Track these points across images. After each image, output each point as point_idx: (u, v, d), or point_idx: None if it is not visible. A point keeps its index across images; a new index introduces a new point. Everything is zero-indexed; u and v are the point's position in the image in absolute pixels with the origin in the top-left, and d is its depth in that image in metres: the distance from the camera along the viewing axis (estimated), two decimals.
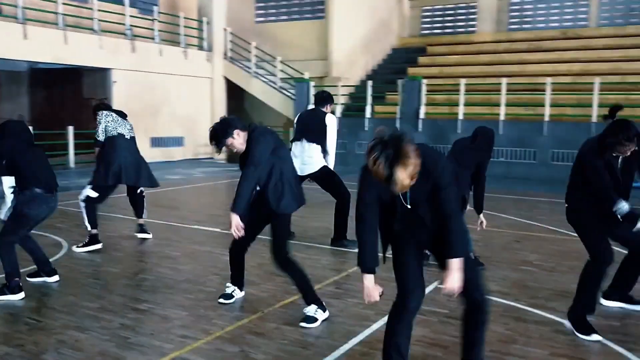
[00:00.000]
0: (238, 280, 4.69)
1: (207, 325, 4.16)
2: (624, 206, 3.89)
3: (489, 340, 3.74)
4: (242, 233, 4.16)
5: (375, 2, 20.80)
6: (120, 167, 6.36)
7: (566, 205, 4.21)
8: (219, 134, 4.16)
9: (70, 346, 3.76)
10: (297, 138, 6.70)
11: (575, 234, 4.21)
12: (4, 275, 4.70)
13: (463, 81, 15.22)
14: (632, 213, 3.91)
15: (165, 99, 16.91)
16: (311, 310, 4.22)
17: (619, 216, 3.91)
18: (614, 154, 3.96)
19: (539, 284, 5.24)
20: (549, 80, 14.28)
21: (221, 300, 4.63)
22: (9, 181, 4.74)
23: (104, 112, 6.46)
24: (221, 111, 19.04)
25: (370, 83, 16.23)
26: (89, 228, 6.34)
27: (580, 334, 3.94)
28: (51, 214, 4.99)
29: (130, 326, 4.12)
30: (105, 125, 6.38)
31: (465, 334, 3.12)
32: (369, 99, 16.14)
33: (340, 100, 17.09)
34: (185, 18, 17.71)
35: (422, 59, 20.18)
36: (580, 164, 4.11)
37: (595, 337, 3.89)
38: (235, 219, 4.11)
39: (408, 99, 15.47)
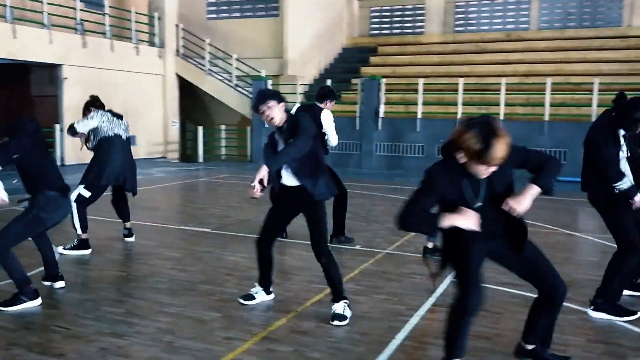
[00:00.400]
0: (265, 281, 4.62)
1: (246, 326, 4.11)
2: (625, 182, 4.11)
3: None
4: (258, 192, 4.09)
5: (326, 1, 20.94)
6: (115, 168, 6.17)
7: (587, 194, 4.43)
8: (269, 94, 4.14)
9: (115, 353, 3.62)
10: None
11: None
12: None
13: (421, 81, 15.60)
14: (630, 189, 4.12)
15: (117, 97, 16.26)
16: (340, 307, 4.22)
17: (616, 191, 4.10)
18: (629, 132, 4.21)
19: None
20: (504, 80, 14.88)
21: (242, 300, 4.56)
22: None
23: (99, 111, 6.24)
24: (173, 109, 18.64)
25: (329, 82, 16.32)
26: (79, 231, 6.08)
27: (620, 317, 4.17)
28: (64, 219, 4.77)
29: (168, 330, 4.01)
30: (100, 125, 6.17)
31: (536, 321, 3.28)
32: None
33: (297, 99, 17.12)
34: (136, 13, 17.18)
35: (373, 59, 20.50)
36: (589, 148, 4.32)
37: (636, 315, 4.16)
38: (263, 172, 4.02)
39: (367, 98, 15.69)
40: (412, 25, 22.65)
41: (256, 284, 4.65)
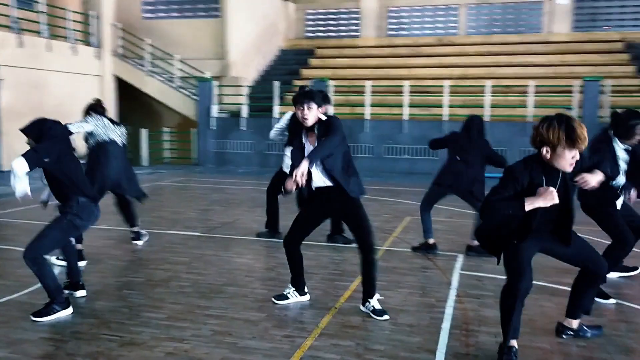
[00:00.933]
0: (298, 282, 4.73)
1: (298, 324, 4.22)
2: (621, 179, 4.68)
3: (554, 315, 4.31)
4: (294, 187, 4.21)
5: (264, 3, 21.01)
6: (107, 178, 6.10)
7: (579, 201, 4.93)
8: (314, 96, 4.28)
9: (185, 356, 3.64)
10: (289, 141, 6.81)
11: None
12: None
13: (368, 83, 16.05)
14: (626, 184, 4.70)
15: (54, 99, 15.57)
16: (377, 303, 4.42)
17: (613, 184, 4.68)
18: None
19: (537, 264, 5.97)
20: (447, 83, 15.62)
21: (275, 300, 4.67)
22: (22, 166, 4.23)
23: (96, 115, 6.12)
24: (112, 111, 18.00)
25: (277, 84, 16.43)
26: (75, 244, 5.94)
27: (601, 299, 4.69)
28: (94, 225, 4.66)
29: (224, 332, 4.04)
30: (95, 130, 6.06)
31: (582, 296, 3.80)
32: (276, 100, 16.35)
33: (241, 100, 17.10)
34: (72, 12, 16.46)
35: (313, 61, 20.81)
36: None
37: (611, 300, 4.74)
38: (304, 167, 4.09)
39: None
40: (347, 29, 23.18)
41: (290, 285, 4.76)
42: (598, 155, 4.47)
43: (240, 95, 17.39)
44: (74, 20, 16.43)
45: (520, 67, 18.44)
